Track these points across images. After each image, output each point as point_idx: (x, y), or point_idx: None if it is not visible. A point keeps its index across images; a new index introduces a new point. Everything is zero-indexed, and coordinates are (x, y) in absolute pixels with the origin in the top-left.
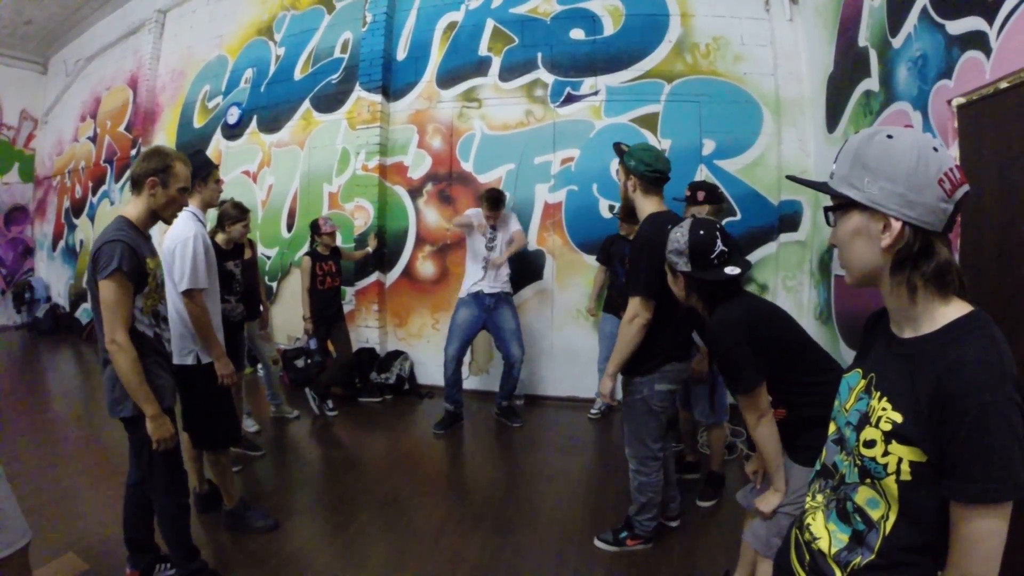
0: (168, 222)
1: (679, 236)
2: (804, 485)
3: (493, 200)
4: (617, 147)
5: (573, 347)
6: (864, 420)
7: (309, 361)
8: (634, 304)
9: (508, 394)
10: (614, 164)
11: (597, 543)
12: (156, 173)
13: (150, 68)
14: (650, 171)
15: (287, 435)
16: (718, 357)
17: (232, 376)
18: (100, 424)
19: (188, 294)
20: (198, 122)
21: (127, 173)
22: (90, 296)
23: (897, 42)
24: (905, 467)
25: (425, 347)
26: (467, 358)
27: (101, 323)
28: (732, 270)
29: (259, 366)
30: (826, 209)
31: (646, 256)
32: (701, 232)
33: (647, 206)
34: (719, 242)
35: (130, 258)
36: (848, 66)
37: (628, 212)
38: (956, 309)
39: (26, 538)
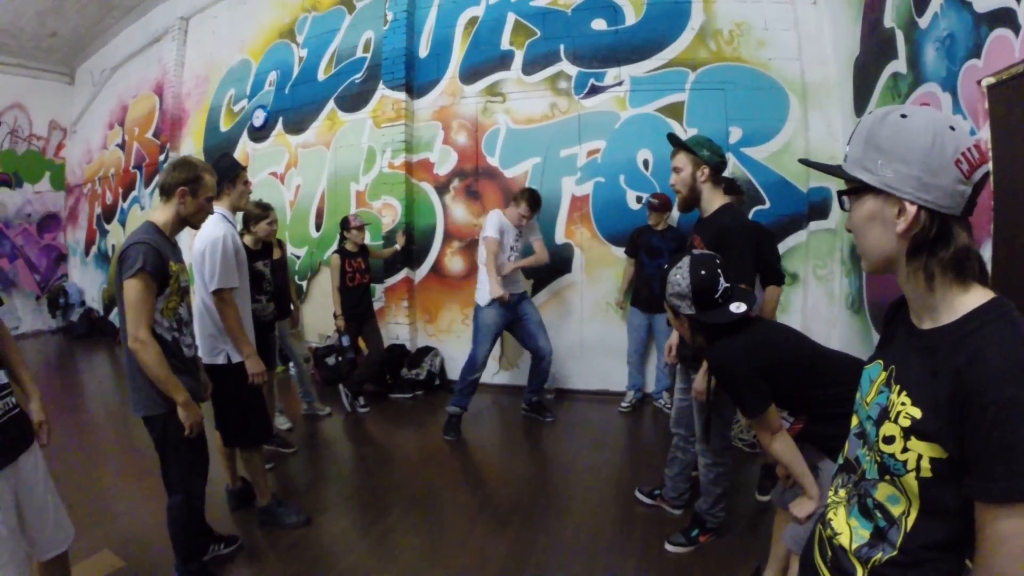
0: (196, 227)
1: (679, 279)
2: None
3: (537, 200)
4: (672, 137)
5: (603, 340)
6: (884, 415)
7: (340, 358)
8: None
9: (537, 389)
10: (641, 155)
11: (669, 547)
12: (187, 183)
13: (175, 75)
14: (721, 160)
15: (319, 432)
16: (723, 385)
17: (262, 375)
18: (135, 424)
19: (218, 293)
20: (224, 126)
21: (156, 179)
22: (117, 298)
23: (923, 22)
24: (925, 464)
25: (455, 342)
26: (496, 352)
27: (126, 324)
28: (738, 307)
29: (291, 364)
30: (839, 193)
31: (737, 241)
32: (702, 272)
33: (716, 196)
34: (721, 279)
35: (154, 259)
36: (874, 48)
37: (690, 203)
38: (976, 297)
39: (71, 537)
